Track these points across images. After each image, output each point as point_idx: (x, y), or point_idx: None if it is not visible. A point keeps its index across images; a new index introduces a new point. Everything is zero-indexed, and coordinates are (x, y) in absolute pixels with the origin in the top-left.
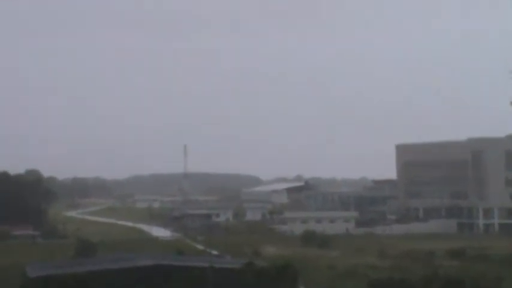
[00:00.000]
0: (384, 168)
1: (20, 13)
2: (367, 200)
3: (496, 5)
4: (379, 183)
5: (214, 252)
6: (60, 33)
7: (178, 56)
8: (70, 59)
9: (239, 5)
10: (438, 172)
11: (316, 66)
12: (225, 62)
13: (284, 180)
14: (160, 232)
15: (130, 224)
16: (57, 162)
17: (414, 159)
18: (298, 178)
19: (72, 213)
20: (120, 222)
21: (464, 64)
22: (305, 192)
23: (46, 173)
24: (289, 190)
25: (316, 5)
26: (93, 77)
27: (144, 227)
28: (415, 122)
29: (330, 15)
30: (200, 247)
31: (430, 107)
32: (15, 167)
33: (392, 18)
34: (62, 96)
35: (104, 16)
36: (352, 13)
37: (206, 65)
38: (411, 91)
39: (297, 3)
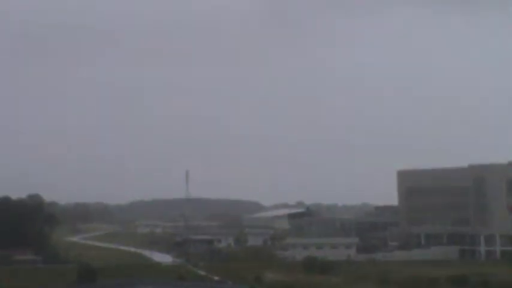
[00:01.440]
0: (385, 194)
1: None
2: (369, 226)
3: (495, 33)
4: (380, 209)
5: (216, 278)
6: (65, 62)
7: (178, 81)
8: (73, 86)
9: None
10: (440, 198)
11: (314, 91)
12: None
13: (285, 206)
14: (162, 257)
15: (132, 249)
16: (59, 187)
17: (416, 186)
18: (299, 204)
19: (74, 239)
20: (121, 248)
21: (466, 91)
22: (306, 219)
23: (48, 198)
24: (290, 216)
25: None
26: (96, 104)
27: (146, 253)
28: (417, 148)
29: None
30: (202, 273)
31: (432, 133)
32: (17, 192)
33: (395, 41)
34: (64, 122)
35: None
36: (354, 38)
37: (206, 90)
38: (414, 116)
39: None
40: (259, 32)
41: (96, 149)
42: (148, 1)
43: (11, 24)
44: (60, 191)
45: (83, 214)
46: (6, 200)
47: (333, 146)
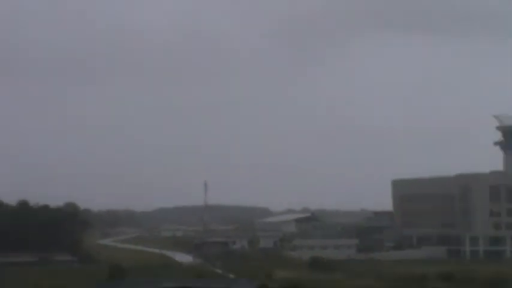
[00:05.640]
0: (382, 201)
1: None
2: (367, 229)
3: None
4: (377, 215)
5: (231, 275)
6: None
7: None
8: (106, 97)
9: None
10: (430, 204)
11: (317, 104)
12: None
13: (292, 212)
14: (183, 258)
15: (156, 251)
16: (92, 196)
17: (408, 193)
18: (305, 210)
19: (104, 241)
20: (147, 250)
21: (453, 106)
22: (312, 223)
23: (82, 205)
24: (297, 221)
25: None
26: (128, 116)
27: (169, 254)
28: (410, 159)
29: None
30: (219, 271)
31: (424, 146)
32: (55, 201)
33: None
34: (97, 134)
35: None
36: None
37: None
38: (407, 130)
39: None
40: None
41: (125, 163)
42: None
43: None
44: (93, 199)
45: (112, 220)
46: (45, 208)
47: (336, 158)
